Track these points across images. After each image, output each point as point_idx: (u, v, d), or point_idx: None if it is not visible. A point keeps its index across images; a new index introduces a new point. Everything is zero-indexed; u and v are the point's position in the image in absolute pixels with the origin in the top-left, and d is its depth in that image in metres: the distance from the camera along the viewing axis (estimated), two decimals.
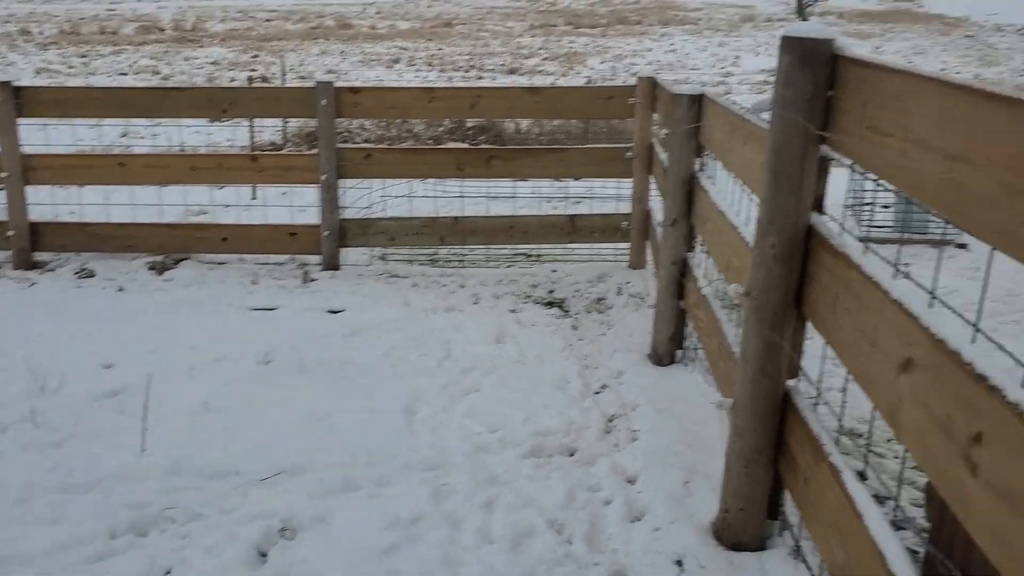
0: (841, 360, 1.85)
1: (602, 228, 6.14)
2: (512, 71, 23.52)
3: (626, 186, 6.15)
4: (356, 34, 33.65)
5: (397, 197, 7.07)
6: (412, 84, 17.19)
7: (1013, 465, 1.15)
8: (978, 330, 1.40)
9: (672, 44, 32.72)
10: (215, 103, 5.80)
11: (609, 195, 7.05)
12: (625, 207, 6.16)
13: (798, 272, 2.14)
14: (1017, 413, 1.15)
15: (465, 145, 10.47)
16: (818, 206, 2.14)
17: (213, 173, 5.96)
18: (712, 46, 31.87)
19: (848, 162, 1.94)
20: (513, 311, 5.26)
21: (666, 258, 4.28)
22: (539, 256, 6.48)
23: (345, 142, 11.78)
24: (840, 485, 1.82)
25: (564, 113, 6.09)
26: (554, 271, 6.10)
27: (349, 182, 6.07)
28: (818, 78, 1.99)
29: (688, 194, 4.15)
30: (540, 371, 4.21)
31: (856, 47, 1.94)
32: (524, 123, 13.58)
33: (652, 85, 5.72)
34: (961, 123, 1.37)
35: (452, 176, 6.03)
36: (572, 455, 3.31)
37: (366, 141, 12.27)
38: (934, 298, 1.57)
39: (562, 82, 20.90)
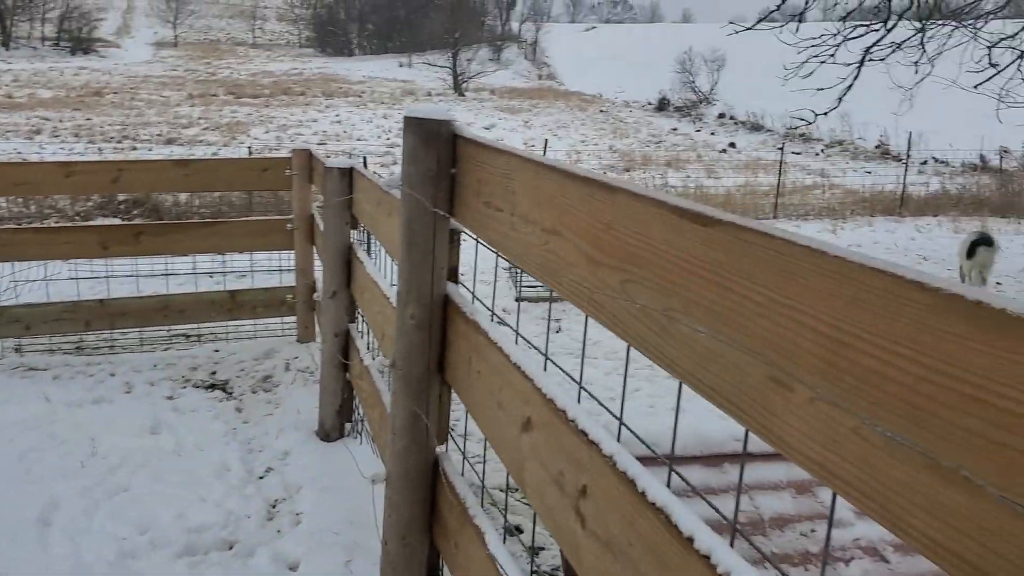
0: (477, 423, 1.93)
1: (266, 302, 5.98)
2: (170, 141, 22.55)
3: (289, 258, 6.06)
4: None
5: (31, 281, 6.41)
6: (51, 158, 15.85)
7: (610, 514, 1.25)
8: (581, 387, 1.52)
9: (337, 115, 33.12)
10: None
11: (273, 267, 6.90)
12: (289, 279, 6.07)
13: (439, 340, 2.21)
14: (611, 465, 1.25)
15: (110, 221, 9.78)
16: (452, 276, 2.23)
17: None
18: (377, 117, 32.70)
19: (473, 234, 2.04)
20: (170, 397, 4.95)
21: (328, 330, 4.25)
22: (200, 336, 6.18)
23: None
24: (483, 546, 1.88)
25: (217, 186, 5.90)
26: (216, 351, 5.84)
27: None
28: (440, 156, 2.09)
29: (346, 265, 4.17)
30: (198, 461, 3.97)
31: (469, 128, 2.06)
32: (183, 196, 13.02)
33: (308, 156, 5.71)
34: (553, 199, 1.50)
35: (96, 255, 5.60)
36: (231, 548, 3.13)
37: (0, 219, 11.10)
38: (547, 359, 1.69)
39: (224, 152, 20.35)
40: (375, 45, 73.09)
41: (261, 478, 3.82)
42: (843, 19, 7.02)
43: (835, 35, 6.60)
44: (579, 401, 1.48)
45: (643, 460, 1.27)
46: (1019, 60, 7.83)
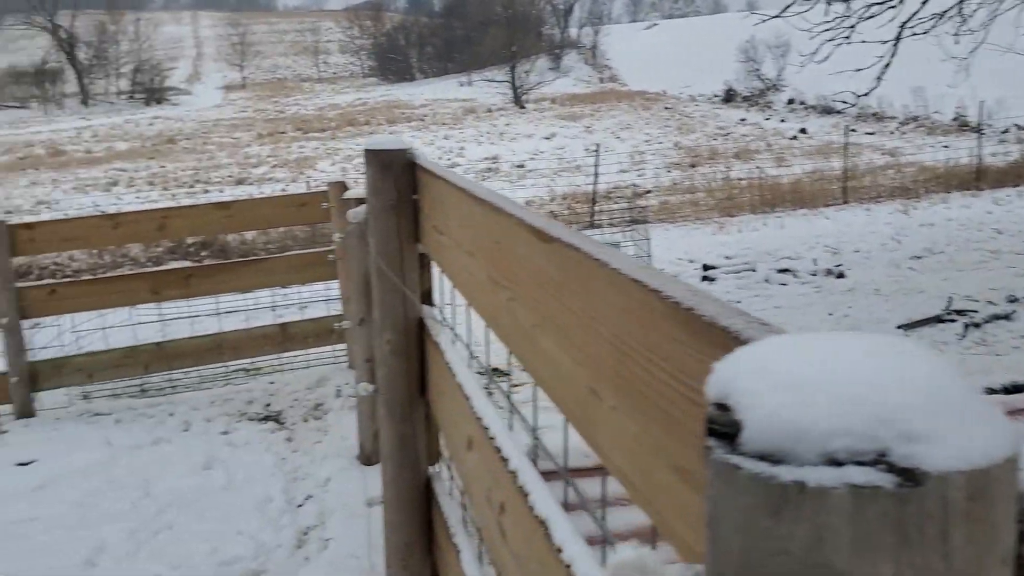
0: (446, 442, 1.96)
1: (316, 332, 6.12)
2: (240, 181, 23.21)
3: (334, 288, 6.20)
4: (69, 160, 31.90)
5: (91, 331, 6.67)
6: (126, 208, 16.50)
7: (517, 529, 1.27)
8: (514, 411, 1.54)
9: (370, 139, 33.53)
10: None
11: (321, 298, 7.05)
12: (337, 308, 6.20)
13: (417, 362, 2.25)
14: (515, 481, 1.27)
15: (158, 268, 10.14)
16: (426, 299, 2.27)
17: None
18: (439, 139, 33.06)
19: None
20: (225, 432, 5.11)
21: (359, 357, 4.34)
22: (257, 370, 6.35)
23: (52, 277, 11.10)
24: (458, 564, 1.91)
25: (259, 224, 6.11)
26: (272, 383, 6.00)
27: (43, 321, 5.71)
28: (399, 184, 2.14)
29: (370, 292, 4.25)
30: (244, 495, 4.09)
31: (424, 155, 2.10)
32: (249, 234, 13.40)
33: (343, 188, 5.84)
34: (468, 221, 1.53)
35: (149, 301, 5.83)
36: None
37: (76, 272, 11.62)
38: (490, 376, 1.71)
39: (292, 188, 20.84)
40: (436, 67, 73.92)
41: (300, 506, 3.92)
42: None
43: (847, 17, 6.46)
44: (511, 420, 1.50)
45: (548, 475, 1.28)
46: None
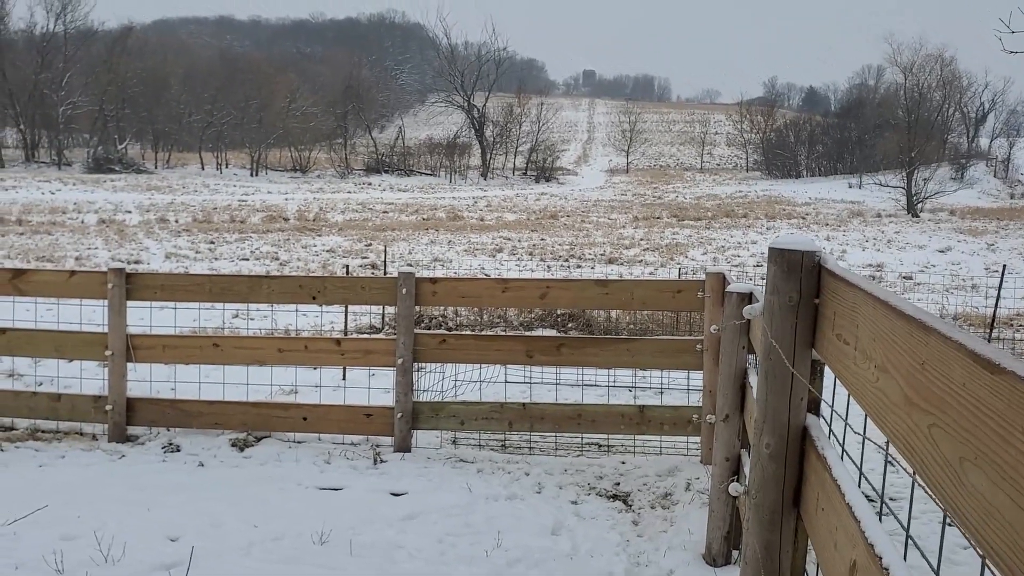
0: (819, 561, 1.85)
1: (672, 420, 6.13)
2: (611, 260, 24.07)
3: (697, 379, 6.17)
4: (465, 225, 35.27)
5: (464, 383, 7.23)
6: (507, 274, 17.80)
7: None
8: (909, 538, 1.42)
9: (777, 237, 32.95)
10: (305, 290, 6.21)
11: (683, 387, 7.05)
12: (697, 399, 6.17)
13: (795, 472, 2.16)
14: None
15: (543, 333, 10.69)
16: (813, 407, 2.18)
17: (299, 355, 6.31)
18: (819, 239, 31.95)
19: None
20: (575, 502, 5.25)
21: (719, 454, 4.26)
22: (610, 446, 6.48)
23: (437, 327, 12.23)
24: None
25: (633, 305, 6.27)
26: (623, 462, 6.07)
27: (428, 366, 6.31)
28: (802, 286, 2.09)
29: (741, 389, 4.18)
30: (587, 567, 4.17)
31: (834, 259, 2.04)
32: (615, 312, 13.78)
33: (721, 280, 5.84)
34: (884, 335, 1.45)
35: (523, 362, 6.20)
36: None
37: (459, 326, 12.70)
38: (883, 502, 1.59)
39: (660, 272, 21.23)
40: (824, 167, 72.02)
41: None
42: None
43: None
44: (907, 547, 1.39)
45: None
46: None
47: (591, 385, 7.68)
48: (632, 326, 13.78)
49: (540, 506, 5.12)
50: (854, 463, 1.79)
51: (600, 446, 6.52)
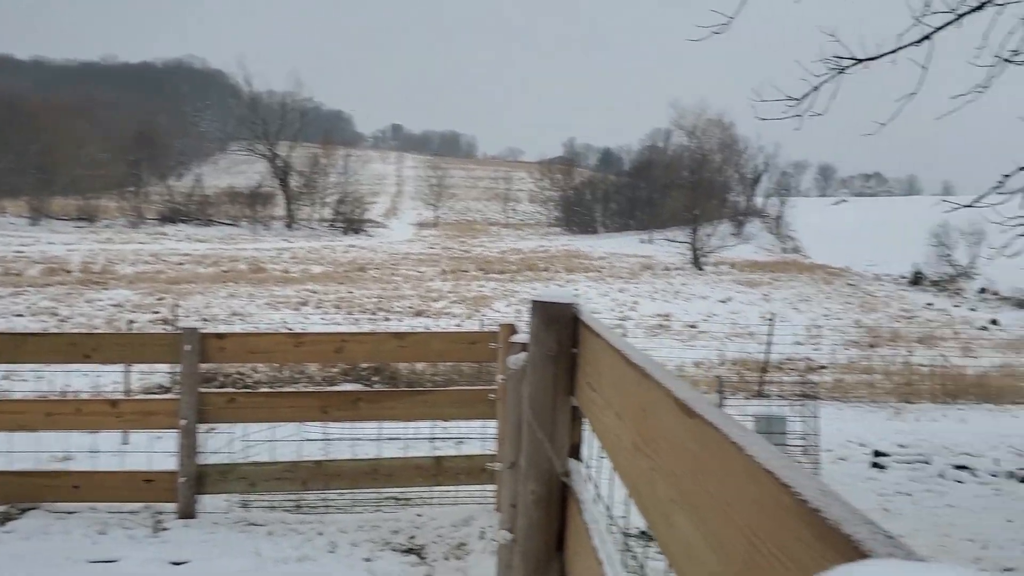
0: None
1: (467, 470, 6.16)
2: (419, 313, 24.12)
3: (491, 427, 6.25)
4: (268, 277, 34.29)
5: (256, 442, 6.98)
6: (312, 328, 17.44)
7: None
8: None
9: (576, 289, 34.12)
10: (78, 348, 5.82)
11: (480, 436, 7.11)
12: (492, 447, 6.23)
13: (557, 517, 2.22)
14: None
15: (335, 388, 10.55)
16: (574, 452, 2.26)
17: (70, 419, 5.88)
18: (613, 291, 33.38)
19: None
20: (368, 560, 5.15)
21: (506, 501, 4.30)
22: (408, 499, 6.41)
23: (233, 384, 11.78)
24: None
25: (429, 357, 6.31)
26: (419, 515, 6.03)
27: (219, 426, 6.04)
28: (560, 337, 2.18)
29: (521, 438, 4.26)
30: None
31: (589, 312, 2.13)
32: (420, 364, 13.79)
33: (512, 331, 5.96)
34: (620, 383, 1.53)
35: (318, 419, 6.07)
36: None
37: (256, 383, 12.28)
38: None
39: (467, 324, 21.45)
40: (618, 223, 75.54)
41: None
42: None
43: None
44: None
45: None
46: None
47: (392, 439, 7.60)
48: (436, 377, 13.82)
49: (332, 566, 4.99)
50: (606, 507, 1.86)
51: (398, 500, 6.44)
